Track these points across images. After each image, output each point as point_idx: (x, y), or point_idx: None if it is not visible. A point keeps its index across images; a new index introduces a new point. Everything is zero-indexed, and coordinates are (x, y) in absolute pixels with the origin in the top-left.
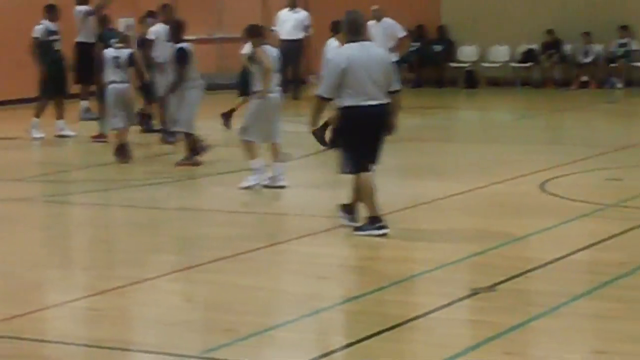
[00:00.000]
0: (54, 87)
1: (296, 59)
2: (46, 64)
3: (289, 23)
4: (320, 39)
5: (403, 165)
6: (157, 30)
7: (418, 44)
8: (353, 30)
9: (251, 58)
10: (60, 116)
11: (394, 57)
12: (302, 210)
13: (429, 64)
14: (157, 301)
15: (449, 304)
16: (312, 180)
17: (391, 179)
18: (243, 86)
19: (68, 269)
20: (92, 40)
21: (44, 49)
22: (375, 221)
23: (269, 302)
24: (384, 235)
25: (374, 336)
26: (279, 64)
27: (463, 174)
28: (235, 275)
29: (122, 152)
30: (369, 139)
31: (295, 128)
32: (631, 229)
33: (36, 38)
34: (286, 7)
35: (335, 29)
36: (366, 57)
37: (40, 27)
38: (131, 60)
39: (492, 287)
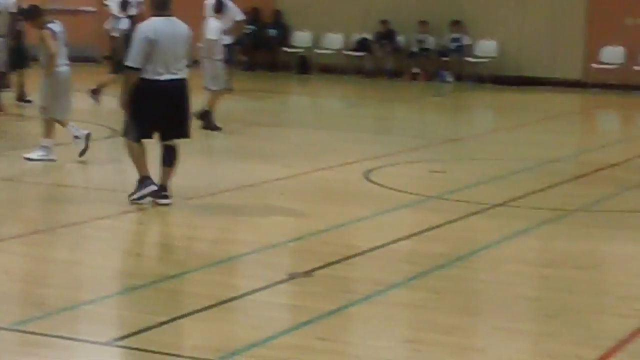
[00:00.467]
0: None
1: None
2: None
3: None
4: None
5: (231, 147)
6: None
7: (252, 27)
8: (159, 5)
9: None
10: None
11: (229, 40)
12: (123, 187)
13: (263, 47)
14: None
15: (265, 287)
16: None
17: (218, 160)
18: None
19: None
20: None
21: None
22: (145, 180)
23: (84, 277)
24: (152, 192)
25: (188, 315)
26: (65, 38)
27: (290, 158)
28: (52, 249)
29: None
30: (162, 111)
31: None
32: (452, 221)
33: None
34: None
35: (218, 9)
36: (171, 32)
37: None
38: None
39: (309, 272)
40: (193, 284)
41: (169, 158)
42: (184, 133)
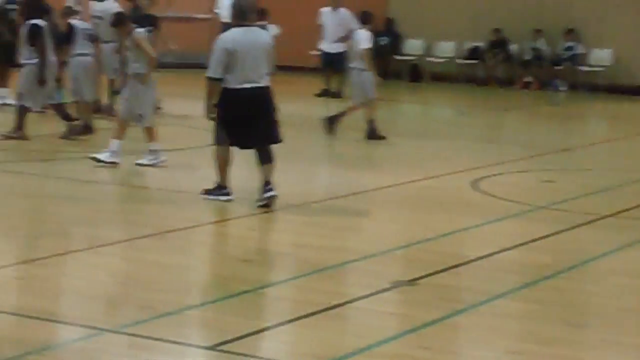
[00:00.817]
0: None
1: None
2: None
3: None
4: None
5: (340, 155)
6: None
7: None
8: (239, 15)
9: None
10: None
11: (342, 48)
12: (234, 192)
13: (375, 55)
14: (80, 274)
15: (369, 295)
16: (246, 163)
17: (326, 168)
18: None
19: None
20: None
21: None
22: (221, 188)
23: (190, 281)
24: (228, 201)
25: (291, 322)
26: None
27: (398, 166)
28: (159, 253)
29: (86, 127)
30: (246, 119)
31: None
32: (559, 231)
33: None
34: None
35: (364, 20)
36: (251, 42)
37: None
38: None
39: (413, 281)
40: (298, 291)
41: (265, 157)
42: (272, 139)
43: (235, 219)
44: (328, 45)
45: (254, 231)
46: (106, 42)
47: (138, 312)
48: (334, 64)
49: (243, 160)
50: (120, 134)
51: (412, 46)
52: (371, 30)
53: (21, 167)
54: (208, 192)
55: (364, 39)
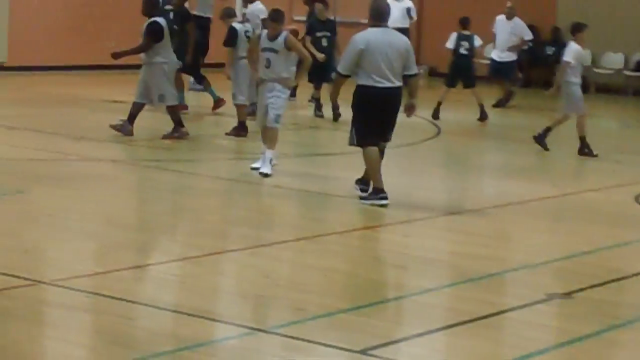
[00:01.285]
0: None
1: None
2: None
3: (395, 11)
4: (430, 30)
5: (500, 163)
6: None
7: (530, 44)
8: (376, 16)
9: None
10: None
11: (514, 56)
12: (392, 198)
13: (540, 65)
14: (234, 273)
15: (523, 306)
16: (404, 170)
17: (485, 176)
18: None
19: (152, 233)
20: (207, 14)
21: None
22: (377, 192)
23: (343, 285)
24: (384, 205)
25: (443, 330)
26: None
27: (558, 178)
28: (314, 255)
29: (241, 127)
30: (378, 117)
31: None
32: None
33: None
34: None
35: (574, 30)
36: (385, 42)
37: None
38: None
39: (569, 294)
40: (451, 299)
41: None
42: (388, 138)
43: (391, 224)
44: (498, 54)
45: (409, 237)
46: None
47: (291, 313)
48: (502, 72)
49: (400, 166)
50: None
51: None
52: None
53: (181, 166)
54: (364, 198)
55: (568, 51)
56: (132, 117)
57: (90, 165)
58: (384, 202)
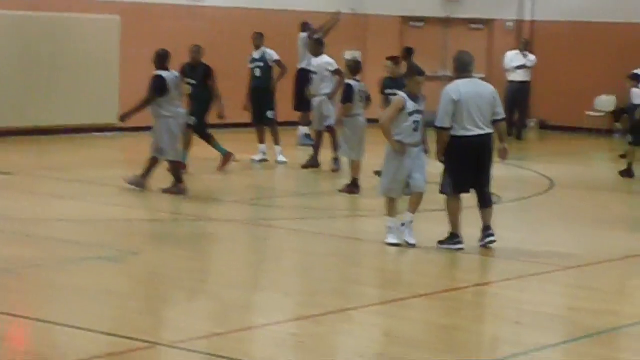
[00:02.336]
0: (256, 114)
1: (525, 102)
2: (248, 90)
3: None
4: (544, 83)
5: (625, 215)
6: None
7: None
8: (462, 68)
9: None
10: (262, 141)
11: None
12: (508, 253)
13: None
14: (354, 332)
15: None
16: (519, 224)
17: (607, 229)
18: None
19: (269, 292)
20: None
21: (250, 76)
22: (454, 237)
23: (462, 342)
24: (460, 249)
25: None
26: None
27: None
28: (433, 313)
29: (354, 185)
30: (471, 165)
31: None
32: None
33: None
34: (516, 49)
35: None
36: (474, 92)
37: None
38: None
39: None
40: (570, 355)
41: (486, 200)
42: (487, 185)
43: (506, 280)
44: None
45: (525, 293)
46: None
47: None
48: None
49: (517, 221)
50: (390, 211)
51: None
52: None
53: (297, 225)
54: (441, 242)
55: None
56: (146, 172)
57: (206, 225)
58: (459, 246)
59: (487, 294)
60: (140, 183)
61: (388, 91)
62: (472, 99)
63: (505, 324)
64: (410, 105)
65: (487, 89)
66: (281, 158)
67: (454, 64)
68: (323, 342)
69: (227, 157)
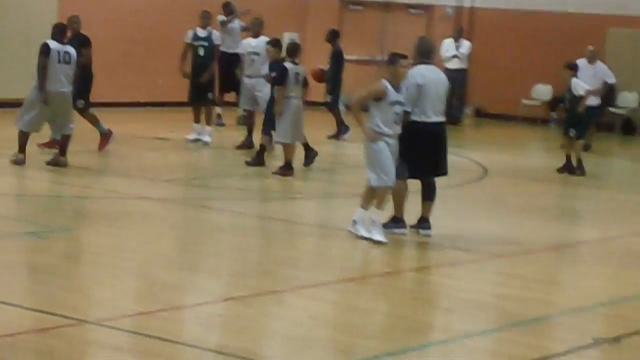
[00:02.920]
0: (195, 93)
1: (460, 89)
2: (190, 69)
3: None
4: (482, 70)
5: (546, 206)
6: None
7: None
8: (425, 54)
9: None
10: (197, 120)
11: (596, 101)
12: (440, 240)
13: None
14: (282, 315)
15: (568, 351)
16: (451, 212)
17: (539, 218)
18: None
19: (198, 272)
20: (233, 49)
21: (191, 54)
22: (398, 221)
23: (390, 328)
24: (402, 234)
25: None
26: None
27: (605, 221)
28: (360, 297)
29: (287, 167)
30: (429, 152)
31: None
32: None
33: (186, 43)
34: (450, 37)
35: None
36: (436, 79)
37: (189, 32)
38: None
39: (616, 339)
40: (498, 343)
41: (430, 192)
42: (444, 171)
43: (437, 267)
44: None
45: (456, 280)
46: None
47: (337, 356)
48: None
49: (448, 207)
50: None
51: (626, 99)
52: None
53: (228, 205)
54: (385, 224)
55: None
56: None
57: (137, 204)
58: (403, 230)
59: (418, 280)
60: (62, 162)
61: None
62: (434, 86)
63: (435, 310)
64: (393, 95)
65: (444, 79)
66: (206, 139)
67: (416, 49)
68: (250, 323)
69: (107, 135)
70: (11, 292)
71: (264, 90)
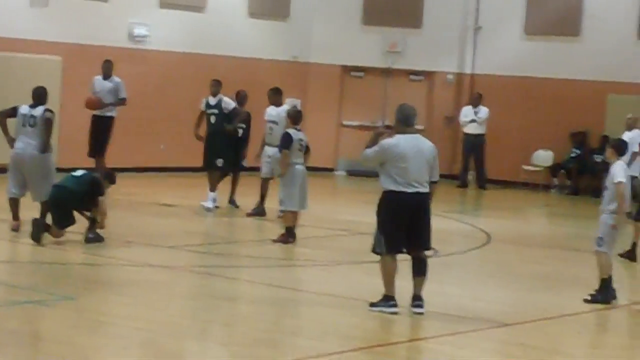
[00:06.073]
0: (206, 160)
1: (480, 154)
2: (204, 133)
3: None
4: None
5: (549, 274)
6: None
7: (579, 151)
8: (404, 122)
9: None
10: (212, 188)
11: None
12: (444, 308)
13: (588, 172)
14: None
15: None
16: (455, 279)
17: (543, 285)
18: None
19: (206, 342)
20: None
21: (206, 121)
22: (388, 299)
23: None
24: (394, 313)
25: None
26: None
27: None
28: None
29: (290, 233)
30: (405, 224)
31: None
32: None
33: (201, 110)
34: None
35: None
36: (416, 148)
37: (203, 100)
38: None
39: None
40: None
41: (421, 268)
42: (427, 245)
43: (441, 336)
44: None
45: (460, 349)
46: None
47: None
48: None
49: (451, 275)
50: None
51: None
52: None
53: (232, 273)
54: (374, 304)
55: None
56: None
57: (143, 271)
58: (393, 309)
59: (422, 349)
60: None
61: None
62: (414, 156)
63: None
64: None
65: (429, 147)
66: (207, 204)
67: (396, 115)
68: None
69: None
70: None
71: None
